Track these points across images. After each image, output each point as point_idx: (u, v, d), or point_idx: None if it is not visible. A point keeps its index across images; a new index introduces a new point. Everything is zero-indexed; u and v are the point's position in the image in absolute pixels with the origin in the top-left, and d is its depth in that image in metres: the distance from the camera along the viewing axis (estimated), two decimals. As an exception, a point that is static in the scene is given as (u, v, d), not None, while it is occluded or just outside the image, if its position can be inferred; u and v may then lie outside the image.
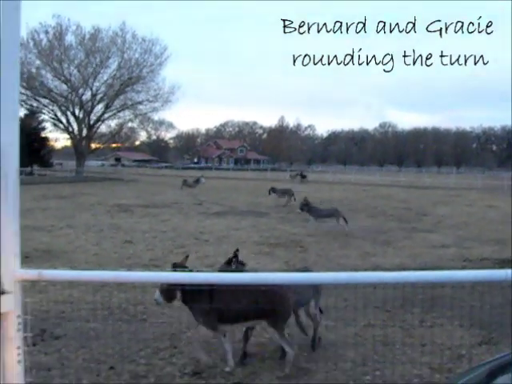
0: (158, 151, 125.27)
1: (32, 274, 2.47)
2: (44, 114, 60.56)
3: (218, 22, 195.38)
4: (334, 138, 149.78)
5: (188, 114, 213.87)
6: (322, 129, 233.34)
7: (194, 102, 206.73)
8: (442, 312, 7.04)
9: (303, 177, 52.07)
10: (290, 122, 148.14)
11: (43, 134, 60.21)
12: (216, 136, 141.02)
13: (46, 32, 55.74)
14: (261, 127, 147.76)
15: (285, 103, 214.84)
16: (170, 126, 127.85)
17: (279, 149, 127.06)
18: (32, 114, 58.56)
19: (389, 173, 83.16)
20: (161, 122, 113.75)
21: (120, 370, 5.23)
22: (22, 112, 61.14)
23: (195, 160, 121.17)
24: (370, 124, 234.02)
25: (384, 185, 48.41)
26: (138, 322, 6.62)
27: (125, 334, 6.10)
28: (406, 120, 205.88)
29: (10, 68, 2.39)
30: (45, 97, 58.44)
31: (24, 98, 58.37)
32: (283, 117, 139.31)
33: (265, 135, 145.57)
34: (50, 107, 59.92)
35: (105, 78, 60.38)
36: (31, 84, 55.06)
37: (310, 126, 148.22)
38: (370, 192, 36.80)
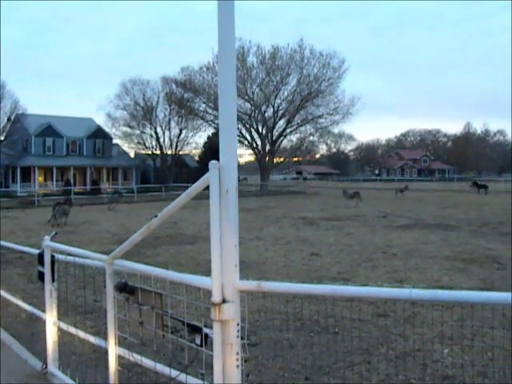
0: (338, 164, 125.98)
1: (251, 284, 2.62)
2: (230, 131, 65.01)
3: (391, 28, 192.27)
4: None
5: (367, 125, 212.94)
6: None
7: (374, 113, 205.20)
8: None
9: (481, 187, 48.41)
10: (477, 127, 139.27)
11: (229, 151, 64.42)
12: (397, 146, 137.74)
13: (230, 55, 59.99)
14: (445, 135, 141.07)
15: (470, 108, 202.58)
16: (350, 138, 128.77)
17: (465, 157, 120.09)
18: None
19: None
20: (340, 135, 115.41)
21: (315, 381, 5.29)
22: (210, 131, 66.17)
23: (376, 172, 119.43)
24: None
25: None
26: (329, 334, 6.64)
27: (317, 346, 6.16)
28: None
29: (228, 99, 2.62)
30: (230, 115, 62.75)
31: (212, 117, 63.07)
32: (469, 123, 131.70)
33: (449, 143, 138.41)
34: (236, 125, 64.06)
35: (285, 95, 62.66)
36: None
37: (500, 132, 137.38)
38: None
